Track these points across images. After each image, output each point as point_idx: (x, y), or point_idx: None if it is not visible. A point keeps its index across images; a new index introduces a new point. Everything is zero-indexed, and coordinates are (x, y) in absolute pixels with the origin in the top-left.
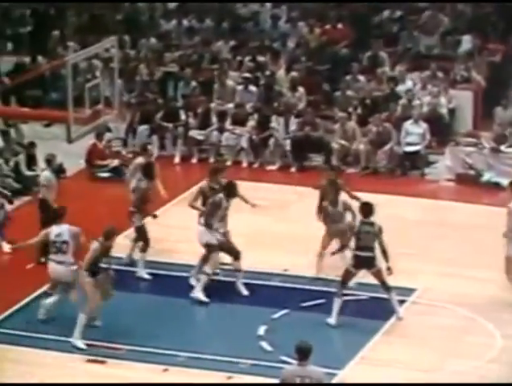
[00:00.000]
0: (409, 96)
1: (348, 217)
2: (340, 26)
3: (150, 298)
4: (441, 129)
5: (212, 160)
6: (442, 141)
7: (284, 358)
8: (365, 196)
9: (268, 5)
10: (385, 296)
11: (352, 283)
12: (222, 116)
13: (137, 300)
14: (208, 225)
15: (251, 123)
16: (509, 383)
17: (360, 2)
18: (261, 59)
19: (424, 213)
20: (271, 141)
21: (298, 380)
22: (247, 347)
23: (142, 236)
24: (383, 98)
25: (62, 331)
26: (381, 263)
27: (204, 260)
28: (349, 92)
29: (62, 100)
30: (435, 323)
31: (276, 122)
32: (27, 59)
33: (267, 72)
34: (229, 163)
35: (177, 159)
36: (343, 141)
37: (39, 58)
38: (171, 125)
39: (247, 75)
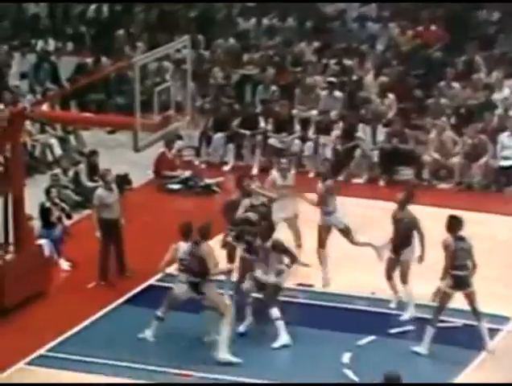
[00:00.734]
0: (506, 106)
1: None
2: (433, 27)
3: None
4: None
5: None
6: None
7: None
8: (457, 213)
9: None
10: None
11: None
12: (305, 123)
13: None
14: None
15: (336, 132)
16: None
17: (456, 2)
18: (347, 62)
19: None
20: (357, 152)
21: None
22: (330, 375)
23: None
24: (478, 107)
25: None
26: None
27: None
28: (443, 100)
29: (128, 105)
30: None
31: (363, 131)
32: (89, 60)
33: (354, 77)
34: (311, 175)
35: (255, 170)
36: (436, 155)
37: (103, 59)
38: (248, 133)
39: (332, 79)
